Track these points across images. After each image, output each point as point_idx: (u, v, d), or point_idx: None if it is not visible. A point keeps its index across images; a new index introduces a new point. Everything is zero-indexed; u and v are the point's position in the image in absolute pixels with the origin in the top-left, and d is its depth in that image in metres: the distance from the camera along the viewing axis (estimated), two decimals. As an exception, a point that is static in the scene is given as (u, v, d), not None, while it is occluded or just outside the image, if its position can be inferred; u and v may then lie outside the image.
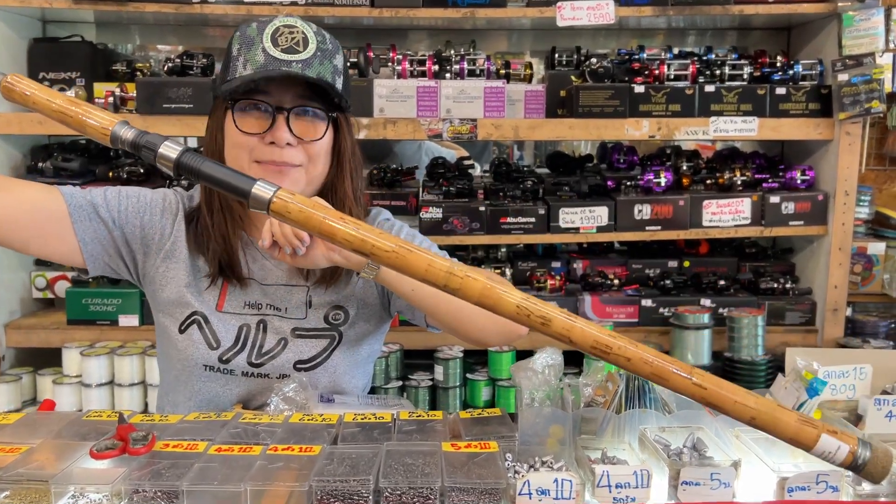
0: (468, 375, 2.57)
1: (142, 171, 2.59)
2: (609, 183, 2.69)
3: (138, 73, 2.74)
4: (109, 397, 2.46)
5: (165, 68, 2.52)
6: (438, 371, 2.50)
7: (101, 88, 2.61)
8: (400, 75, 2.58)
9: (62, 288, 2.72)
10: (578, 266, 2.79)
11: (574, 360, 2.28)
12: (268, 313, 1.44)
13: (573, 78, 2.72)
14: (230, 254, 1.42)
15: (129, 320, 2.57)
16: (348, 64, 1.36)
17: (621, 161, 2.81)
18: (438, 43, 2.92)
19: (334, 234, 0.95)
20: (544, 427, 1.23)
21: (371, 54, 2.56)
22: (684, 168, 2.79)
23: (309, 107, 1.32)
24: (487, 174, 2.99)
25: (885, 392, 1.26)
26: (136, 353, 2.44)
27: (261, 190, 0.96)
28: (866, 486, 1.07)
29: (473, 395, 2.56)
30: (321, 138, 1.35)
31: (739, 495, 1.06)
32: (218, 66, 2.61)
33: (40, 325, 2.62)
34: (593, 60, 2.55)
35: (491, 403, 2.55)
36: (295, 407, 1.36)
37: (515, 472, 1.12)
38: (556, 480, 1.04)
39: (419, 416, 1.32)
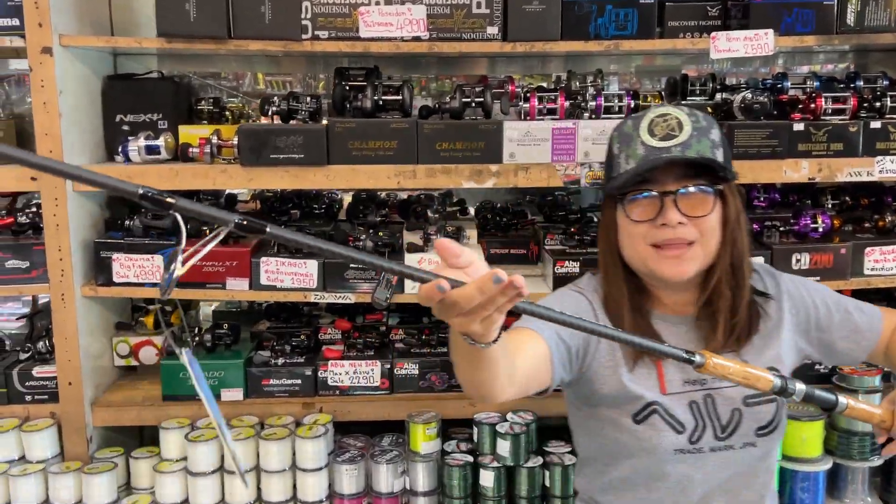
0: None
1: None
2: (755, 226, 2.43)
3: (228, 112, 2.45)
4: (219, 486, 2.18)
5: (269, 112, 2.23)
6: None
7: (190, 134, 2.29)
8: (527, 114, 2.30)
9: (148, 354, 2.44)
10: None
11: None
12: (714, 386, 1.45)
13: (709, 109, 2.46)
14: (651, 334, 1.43)
15: (233, 394, 2.30)
16: (718, 136, 1.40)
17: (761, 199, 2.55)
18: (555, 69, 2.65)
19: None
20: None
21: (510, 89, 2.32)
22: (829, 206, 2.54)
23: (694, 185, 1.37)
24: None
25: None
26: (248, 435, 2.17)
27: None
28: None
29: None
30: (710, 213, 1.38)
31: None
32: (325, 105, 2.33)
33: (131, 401, 2.34)
34: (747, 95, 2.29)
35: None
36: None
37: None
38: None
39: None
